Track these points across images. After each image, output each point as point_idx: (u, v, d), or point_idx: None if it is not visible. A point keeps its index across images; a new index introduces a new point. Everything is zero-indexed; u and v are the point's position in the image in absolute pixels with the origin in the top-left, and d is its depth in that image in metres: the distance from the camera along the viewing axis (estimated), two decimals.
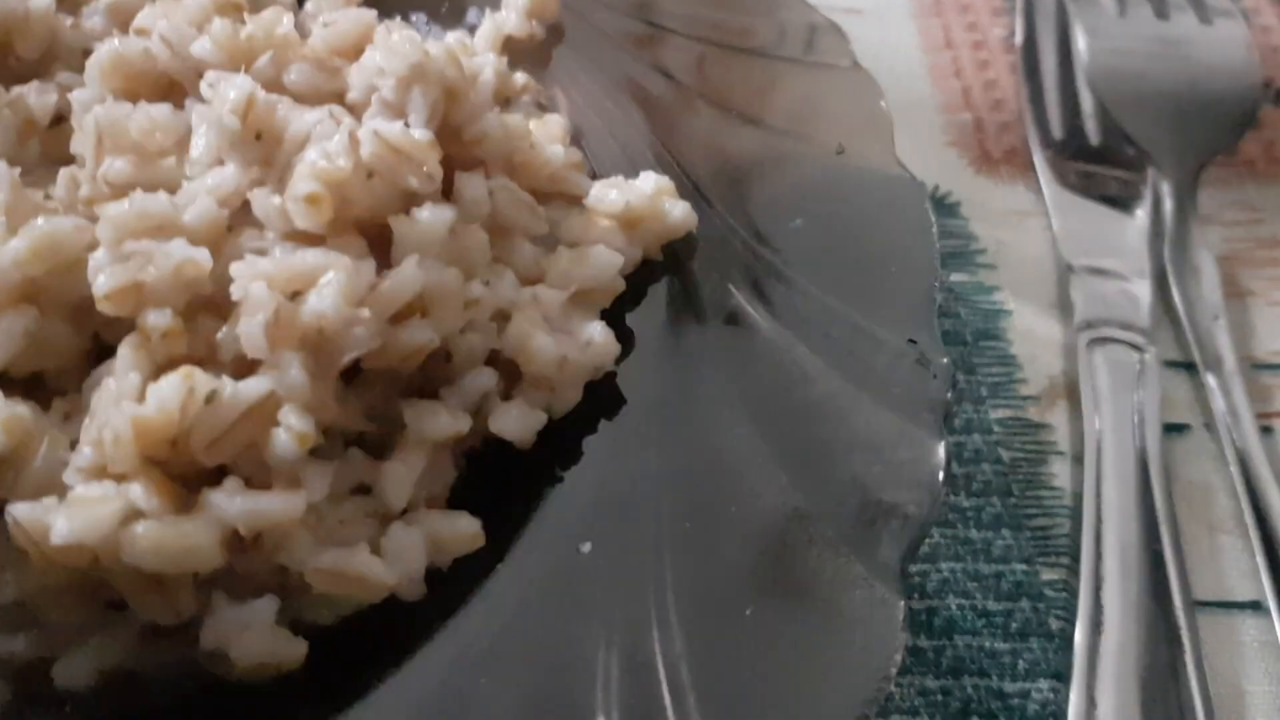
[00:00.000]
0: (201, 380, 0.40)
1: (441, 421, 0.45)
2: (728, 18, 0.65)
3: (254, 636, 0.40)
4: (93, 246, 0.45)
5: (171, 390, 0.40)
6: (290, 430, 0.41)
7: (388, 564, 0.42)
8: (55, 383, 0.45)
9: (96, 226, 0.45)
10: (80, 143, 0.49)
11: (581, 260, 0.50)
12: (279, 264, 0.43)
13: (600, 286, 0.51)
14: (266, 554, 0.41)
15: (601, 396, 0.49)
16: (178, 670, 0.41)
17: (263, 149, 0.47)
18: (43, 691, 0.41)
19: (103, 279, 0.42)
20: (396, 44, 0.49)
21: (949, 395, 0.46)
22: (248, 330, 0.41)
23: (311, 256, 0.44)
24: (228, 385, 0.41)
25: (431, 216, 0.46)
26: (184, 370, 0.40)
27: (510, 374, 0.48)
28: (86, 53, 0.56)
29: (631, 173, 0.56)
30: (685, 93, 0.62)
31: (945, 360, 0.47)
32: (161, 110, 0.50)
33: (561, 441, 0.48)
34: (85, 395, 0.44)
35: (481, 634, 0.42)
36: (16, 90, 0.53)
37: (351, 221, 0.46)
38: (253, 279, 0.43)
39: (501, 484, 0.47)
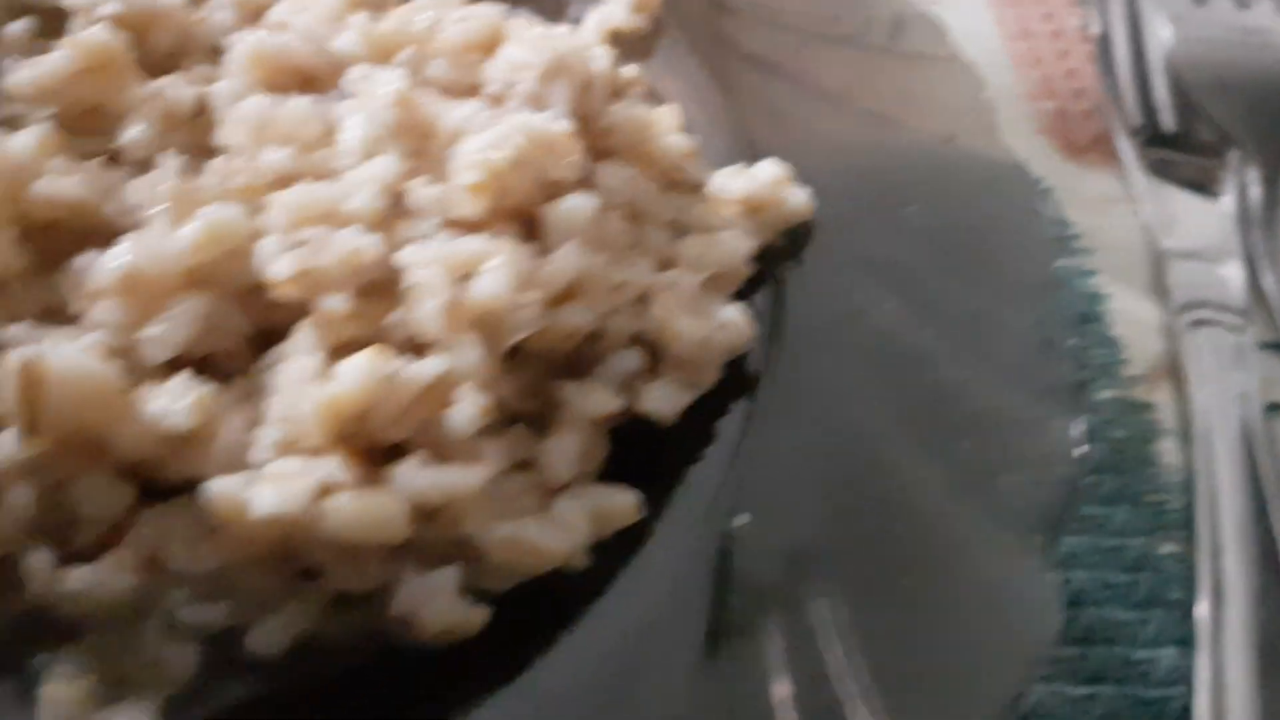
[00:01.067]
0: (386, 360, 0.42)
1: (597, 399, 0.47)
2: (823, 9, 0.67)
3: (439, 604, 0.42)
4: (253, 233, 0.47)
5: (360, 369, 0.42)
6: (467, 406, 0.43)
7: (557, 535, 0.44)
8: (223, 366, 0.46)
9: (262, 214, 0.46)
10: (231, 134, 0.50)
11: (712, 245, 0.52)
12: (447, 250, 0.45)
13: (730, 271, 0.53)
14: (447, 525, 0.43)
15: (737, 375, 0.51)
16: (361, 637, 0.43)
17: (417, 140, 0.48)
18: (233, 659, 0.43)
19: (281, 264, 0.44)
20: (537, 39, 0.51)
21: (1081, 374, 0.48)
22: (425, 313, 0.43)
23: (475, 243, 0.45)
24: (409, 365, 0.42)
25: (579, 204, 0.48)
26: (372, 350, 0.42)
27: (652, 355, 0.50)
28: (214, 47, 0.57)
29: (737, 162, 0.58)
30: (786, 83, 0.63)
31: (1072, 341, 0.49)
32: (303, 103, 0.51)
33: (701, 419, 0.50)
34: (257, 377, 0.46)
35: (646, 603, 0.44)
36: (155, 84, 0.54)
37: (504, 210, 0.47)
38: (423, 264, 0.44)
39: (645, 460, 0.49)
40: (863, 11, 0.67)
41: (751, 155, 0.59)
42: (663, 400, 0.48)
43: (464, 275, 0.44)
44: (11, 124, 0.54)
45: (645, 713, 0.42)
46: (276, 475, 0.41)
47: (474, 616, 0.43)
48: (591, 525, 0.45)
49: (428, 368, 0.42)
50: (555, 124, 0.49)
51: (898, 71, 0.65)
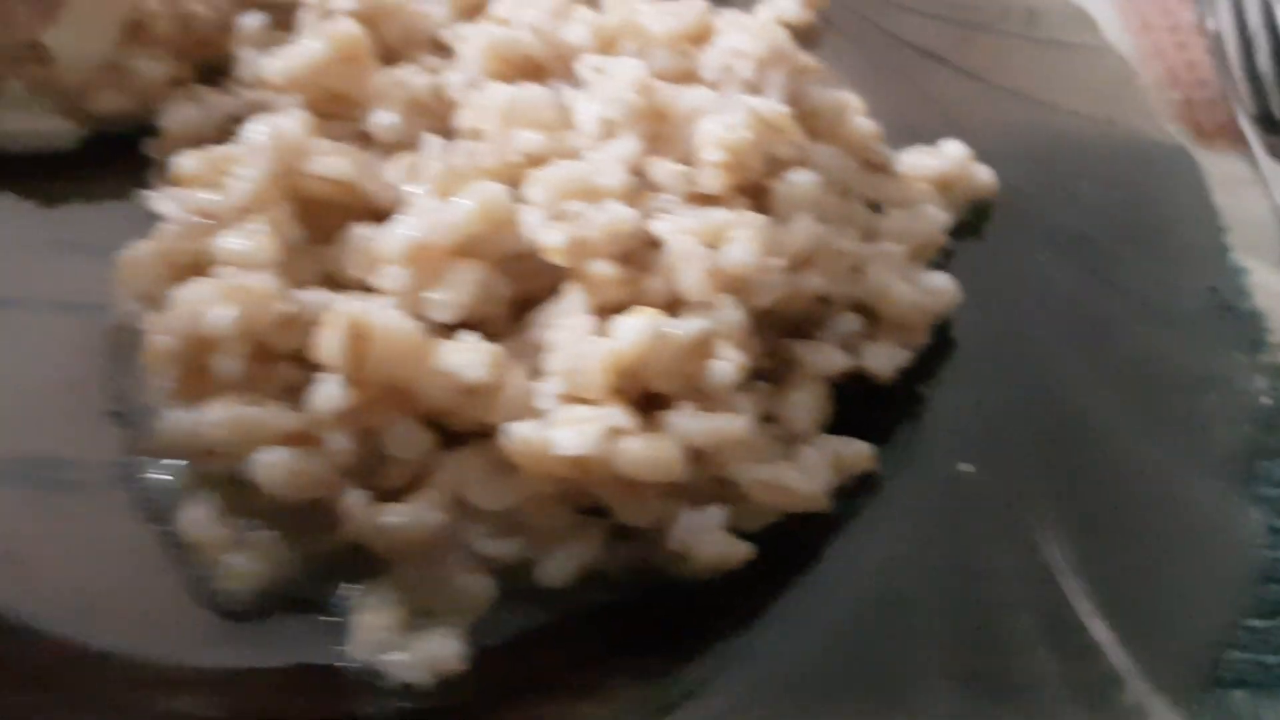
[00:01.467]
0: (659, 319, 0.47)
1: (828, 357, 0.52)
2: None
3: (710, 538, 0.47)
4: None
5: (637, 327, 0.46)
6: (727, 361, 0.47)
7: (807, 478, 0.48)
8: (487, 327, 0.51)
9: (524, 189, 0.51)
10: (477, 118, 0.55)
11: (914, 218, 0.57)
12: (698, 220, 0.49)
13: (930, 241, 0.57)
14: (714, 468, 0.47)
15: (945, 337, 0.56)
16: (636, 570, 0.48)
17: (654, 123, 0.53)
18: (523, 589, 0.47)
19: (554, 234, 0.49)
20: (753, 29, 0.56)
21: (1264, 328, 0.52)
22: (688, 277, 0.48)
23: (722, 214, 0.50)
24: (677, 324, 0.47)
25: (806, 179, 0.52)
26: (647, 311, 0.47)
27: (867, 319, 0.54)
28: (432, 39, 0.62)
29: (907, 144, 0.63)
30: (948, 70, 0.68)
31: (1251, 307, 0.54)
32: (540, 90, 0.56)
33: (916, 376, 0.54)
34: (523, 335, 0.50)
35: (887, 544, 0.49)
36: (395, 72, 0.59)
37: (738, 185, 0.52)
38: (678, 234, 0.49)
39: (865, 416, 0.53)
40: (1025, 6, 0.71)
41: (919, 138, 0.64)
42: (883, 359, 0.53)
43: (714, 243, 0.49)
44: (257, 110, 0.58)
45: (893, 643, 0.46)
46: (572, 419, 0.45)
47: (739, 551, 0.47)
48: (834, 471, 0.50)
49: (694, 326, 0.47)
50: (778, 107, 0.53)
51: (1045, 58, 0.69)
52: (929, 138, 0.63)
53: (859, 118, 0.61)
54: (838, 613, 0.47)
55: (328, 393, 0.45)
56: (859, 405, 0.54)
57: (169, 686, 0.45)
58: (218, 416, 0.45)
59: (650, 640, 0.48)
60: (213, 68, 0.63)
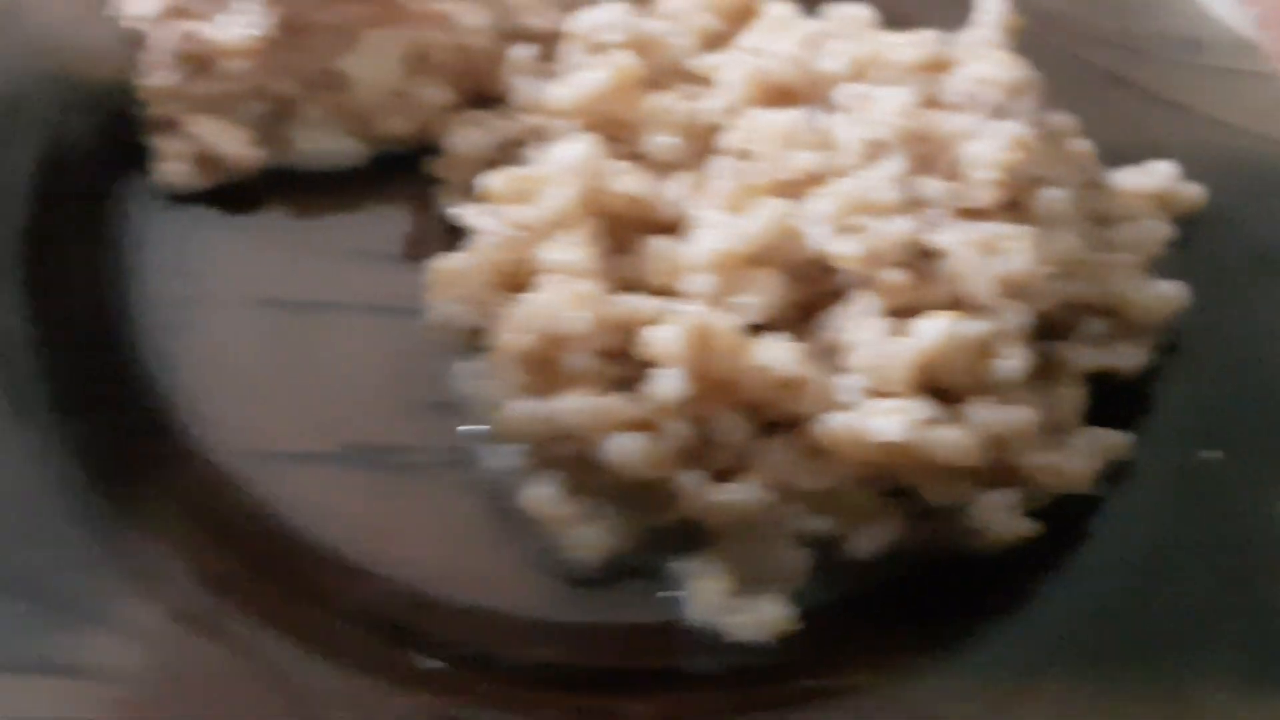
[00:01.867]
0: (956, 322, 0.53)
1: (1087, 355, 0.58)
2: (1148, 30, 0.78)
3: (1004, 518, 0.53)
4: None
5: (938, 328, 0.53)
6: (1014, 359, 0.54)
7: (1081, 463, 0.55)
8: (781, 329, 0.57)
9: (808, 204, 0.57)
10: (748, 140, 0.61)
11: (1139, 230, 0.63)
12: (978, 232, 0.56)
13: (1153, 253, 0.63)
14: (1004, 454, 0.54)
15: (1168, 339, 0.62)
16: (934, 545, 0.54)
17: (918, 144, 0.59)
18: (833, 561, 0.54)
19: (849, 245, 0.55)
20: (995, 59, 0.62)
21: None
22: (977, 283, 0.54)
23: (994, 227, 0.56)
24: (971, 325, 0.53)
25: (1060, 194, 0.59)
26: (950, 315, 0.53)
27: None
28: (676, 68, 0.69)
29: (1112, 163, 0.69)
30: (1133, 92, 0.74)
31: None
32: (800, 115, 0.62)
33: (1147, 375, 0.61)
34: (813, 336, 0.57)
35: (1153, 522, 0.55)
36: (663, 98, 0.65)
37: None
38: (960, 244, 0.55)
39: (1108, 409, 0.59)
40: (1153, 25, 0.77)
41: (1118, 157, 0.70)
42: (1129, 358, 0.59)
43: (992, 253, 0.55)
44: (536, 134, 0.65)
45: (1164, 614, 0.52)
46: (887, 410, 0.51)
47: (1027, 529, 0.53)
48: (1096, 458, 0.56)
49: (986, 327, 0.53)
50: (1028, 132, 0.59)
51: (1217, 83, 0.75)
52: (1128, 157, 0.69)
53: (1077, 140, 0.67)
54: (1110, 585, 0.53)
55: (670, 385, 0.51)
56: (1102, 400, 0.59)
57: (527, 637, 0.51)
58: (574, 405, 0.51)
59: (943, 609, 0.53)
60: (483, 95, 0.70)
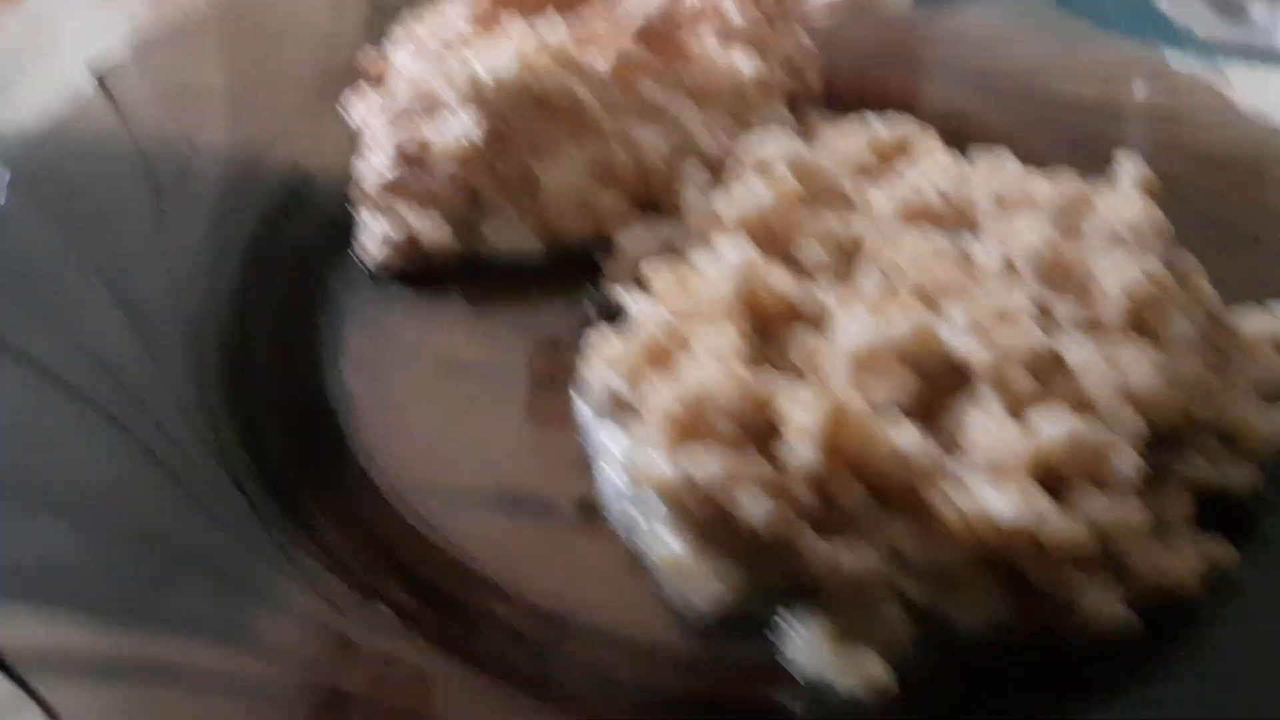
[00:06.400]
0: (1077, 422, 0.57)
1: (1199, 468, 0.61)
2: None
3: (1112, 608, 0.55)
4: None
5: (1059, 425, 0.56)
6: (1130, 460, 0.57)
7: (1186, 564, 0.57)
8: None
9: (946, 310, 0.62)
10: (897, 254, 0.67)
11: (1258, 364, 0.67)
12: (1103, 347, 0.60)
13: (1273, 386, 0.66)
14: (1112, 546, 0.56)
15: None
16: (1039, 628, 0.57)
17: (1052, 269, 0.64)
18: (936, 633, 0.57)
19: (977, 348, 0.60)
20: (1132, 201, 0.67)
21: None
22: (1100, 391, 0.58)
23: (1120, 344, 0.60)
24: (1089, 428, 0.57)
25: (1187, 325, 0.62)
26: (1062, 410, 0.57)
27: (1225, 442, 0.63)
28: (834, 191, 0.75)
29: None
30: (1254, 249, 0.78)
31: None
32: (942, 237, 0.68)
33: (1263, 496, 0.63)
34: (937, 426, 0.61)
35: (1258, 635, 0.56)
36: (818, 216, 0.72)
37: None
38: (1086, 355, 0.59)
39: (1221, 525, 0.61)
40: None
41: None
42: (1239, 477, 0.62)
43: (1117, 366, 0.59)
44: (697, 239, 0.72)
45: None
46: (1006, 493, 0.55)
47: (1132, 621, 0.56)
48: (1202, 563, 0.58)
49: (1103, 429, 0.57)
50: (1160, 267, 0.64)
51: None
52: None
53: (1204, 283, 0.71)
54: (1209, 694, 0.54)
55: (804, 455, 0.56)
56: (1216, 517, 0.62)
57: (648, 661, 0.55)
58: (717, 465, 0.57)
59: (1042, 692, 0.56)
60: (655, 206, 0.78)
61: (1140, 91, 0.92)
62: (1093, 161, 0.80)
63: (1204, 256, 0.76)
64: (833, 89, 0.94)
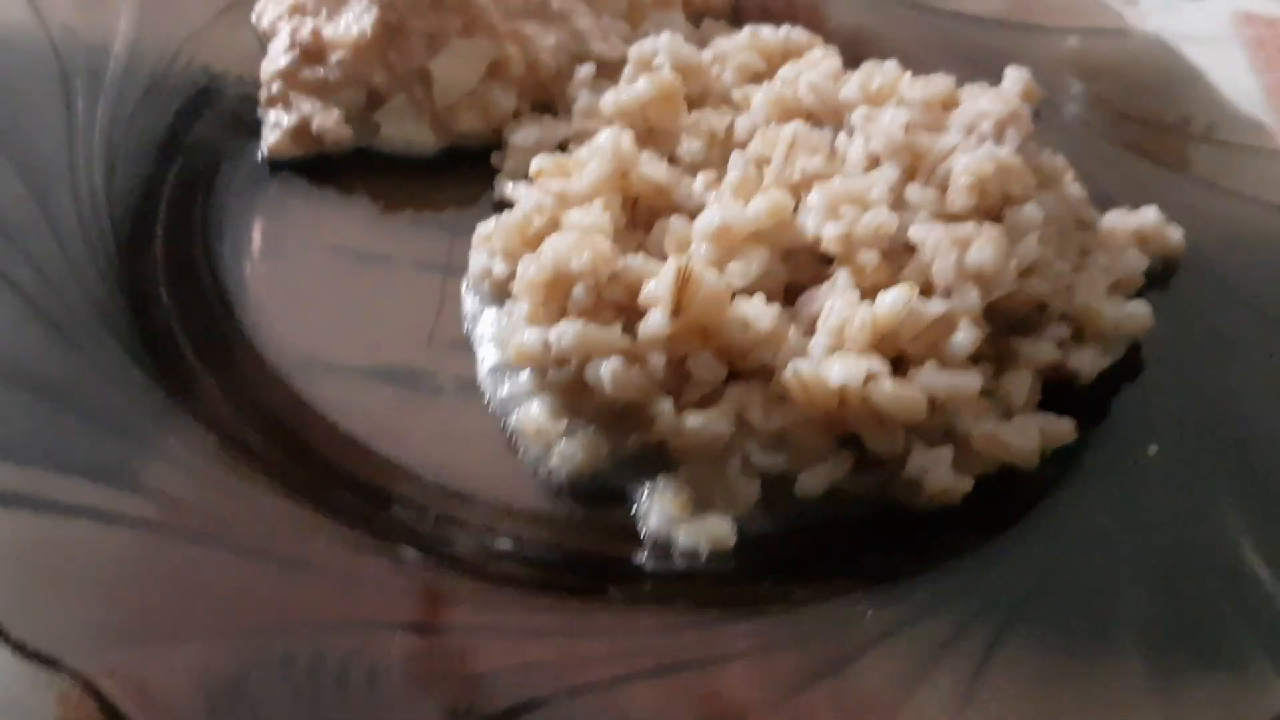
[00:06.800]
0: (914, 293, 0.60)
1: (1043, 351, 0.64)
2: (1165, 111, 0.85)
3: (940, 472, 0.59)
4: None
5: (898, 298, 0.59)
6: (966, 334, 0.60)
7: (1021, 437, 0.60)
8: (769, 299, 0.64)
9: (807, 196, 0.65)
10: (765, 147, 0.70)
11: (1116, 259, 0.69)
12: (948, 229, 0.63)
13: (1128, 280, 0.69)
14: (945, 417, 0.60)
15: (1136, 356, 0.67)
16: (871, 494, 0.60)
17: (911, 157, 0.67)
18: (781, 496, 0.60)
19: (829, 228, 0.63)
20: (996, 96, 0.70)
21: None
22: (940, 267, 0.61)
23: (966, 227, 0.63)
24: (926, 302, 0.60)
25: (1033, 210, 0.65)
26: (906, 285, 0.60)
27: (1075, 331, 0.66)
28: (721, 95, 0.78)
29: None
30: (1143, 160, 0.81)
31: None
32: (810, 129, 0.71)
33: (1109, 384, 0.66)
34: (799, 309, 0.64)
35: (1093, 505, 0.60)
36: (695, 114, 0.75)
37: (978, 209, 0.65)
38: (933, 237, 0.62)
39: (1067, 408, 0.65)
40: (1179, 109, 0.84)
41: (1111, 207, 0.76)
42: (1086, 362, 0.65)
43: (962, 247, 0.62)
44: (586, 136, 0.75)
45: (1090, 591, 0.56)
46: (844, 360, 0.58)
47: (961, 485, 0.59)
48: (1041, 439, 0.61)
49: (941, 304, 0.60)
50: (1013, 155, 0.67)
51: (1227, 156, 0.81)
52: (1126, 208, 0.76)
53: (1071, 184, 0.74)
54: (1041, 559, 0.57)
55: (655, 321, 0.59)
56: (1061, 401, 0.65)
57: (509, 519, 0.59)
58: (572, 331, 0.59)
59: (880, 553, 0.59)
60: (544, 105, 0.80)
61: (1036, 8, 0.95)
62: (990, 77, 0.84)
63: (1085, 163, 0.80)
64: (741, 7, 0.96)
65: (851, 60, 0.80)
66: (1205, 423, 0.63)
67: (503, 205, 0.73)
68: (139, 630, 0.49)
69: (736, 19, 0.93)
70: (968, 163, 0.64)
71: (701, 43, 0.83)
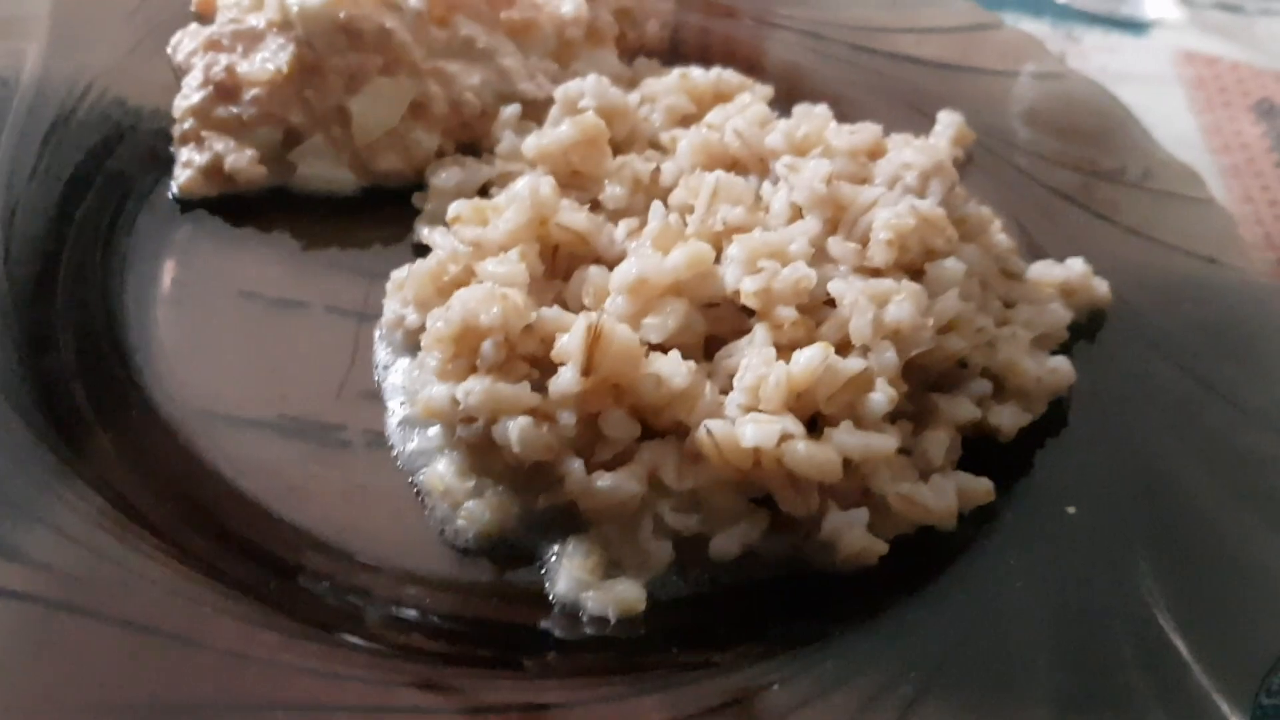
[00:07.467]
0: (829, 353, 0.58)
1: (962, 408, 0.63)
2: (1100, 157, 0.84)
3: (855, 534, 0.57)
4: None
5: (812, 355, 0.58)
6: (882, 394, 0.59)
7: (938, 499, 0.59)
8: (686, 354, 0.63)
9: (725, 248, 0.64)
10: (688, 195, 0.69)
11: (1041, 312, 0.68)
12: (867, 285, 0.62)
13: (1053, 333, 0.68)
14: (862, 478, 0.58)
15: (1058, 412, 0.66)
16: (786, 556, 0.59)
17: (834, 209, 0.66)
18: (694, 558, 0.58)
19: (750, 282, 0.61)
20: (921, 148, 0.69)
21: None
22: (857, 324, 0.60)
23: (885, 283, 0.62)
24: (842, 361, 0.59)
25: (954, 265, 0.64)
26: (822, 345, 0.59)
27: (997, 387, 0.66)
28: (650, 139, 0.77)
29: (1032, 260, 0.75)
30: (1073, 207, 0.81)
31: None
32: (738, 179, 0.69)
33: (1031, 440, 0.65)
34: (714, 364, 0.62)
35: (1008, 565, 0.59)
36: (620, 159, 0.73)
37: (898, 264, 0.64)
38: (851, 292, 0.61)
39: (987, 466, 0.64)
40: (1116, 156, 0.84)
41: (1041, 256, 0.75)
42: (1007, 419, 0.64)
43: (880, 303, 0.61)
44: (509, 178, 0.73)
45: (1001, 654, 0.55)
46: (757, 420, 0.57)
47: (876, 547, 0.58)
48: (959, 499, 0.60)
49: (858, 362, 0.59)
50: (935, 209, 0.66)
51: (1158, 205, 0.81)
52: (1055, 258, 0.75)
53: (998, 234, 0.74)
54: (957, 623, 0.56)
55: (565, 379, 0.57)
56: (983, 458, 0.64)
57: (415, 585, 0.57)
58: (480, 388, 0.58)
59: (798, 615, 0.58)
60: (469, 146, 0.79)
61: (974, 52, 0.94)
62: (927, 119, 0.83)
63: (1018, 210, 0.79)
64: (679, 42, 0.95)
65: (788, 99, 0.79)
66: (1125, 482, 0.62)
67: (422, 249, 0.71)
68: (15, 711, 0.46)
69: (673, 56, 0.91)
70: (887, 217, 0.63)
71: (633, 82, 0.82)
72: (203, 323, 0.68)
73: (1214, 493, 0.61)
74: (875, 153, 0.72)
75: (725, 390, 0.61)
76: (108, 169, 0.75)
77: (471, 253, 0.66)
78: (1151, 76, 1.12)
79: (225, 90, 0.74)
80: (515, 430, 0.57)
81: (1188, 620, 0.56)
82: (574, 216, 0.66)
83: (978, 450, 0.64)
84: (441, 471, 0.60)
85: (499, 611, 0.57)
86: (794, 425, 0.57)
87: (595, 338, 0.57)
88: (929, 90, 0.91)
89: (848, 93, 0.91)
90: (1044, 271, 0.72)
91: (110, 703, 0.48)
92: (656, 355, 0.60)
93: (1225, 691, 0.53)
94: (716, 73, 0.81)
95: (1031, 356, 0.66)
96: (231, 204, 0.75)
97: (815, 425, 0.60)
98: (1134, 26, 1.16)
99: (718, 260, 0.65)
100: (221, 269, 0.72)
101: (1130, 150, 0.85)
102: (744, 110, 0.75)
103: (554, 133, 0.72)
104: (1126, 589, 0.57)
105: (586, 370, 0.57)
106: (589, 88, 0.75)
